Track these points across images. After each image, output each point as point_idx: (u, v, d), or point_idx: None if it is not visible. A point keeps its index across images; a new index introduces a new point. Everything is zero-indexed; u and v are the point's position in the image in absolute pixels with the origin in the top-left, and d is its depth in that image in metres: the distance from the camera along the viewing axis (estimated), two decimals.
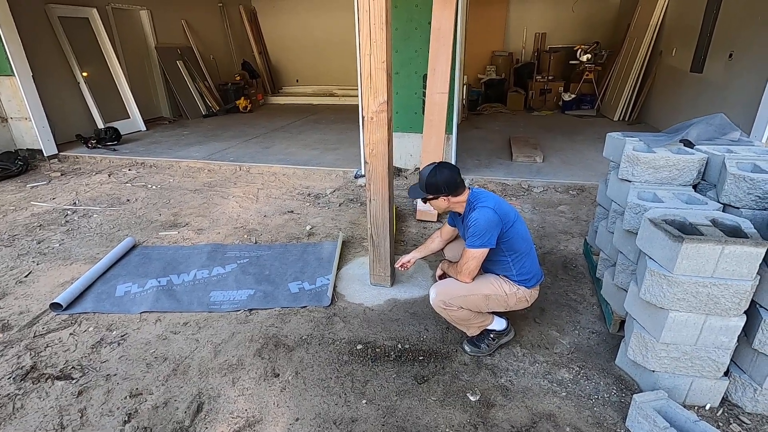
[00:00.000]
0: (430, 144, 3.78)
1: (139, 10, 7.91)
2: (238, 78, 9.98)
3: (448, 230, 2.42)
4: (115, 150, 6.23)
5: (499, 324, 2.22)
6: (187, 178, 5.21)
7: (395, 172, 4.83)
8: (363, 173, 4.96)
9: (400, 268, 2.48)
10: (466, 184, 2.14)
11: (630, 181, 2.33)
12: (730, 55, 4.97)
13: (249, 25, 10.67)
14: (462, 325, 2.18)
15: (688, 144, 2.42)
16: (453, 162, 4.68)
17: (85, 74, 6.69)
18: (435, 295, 2.11)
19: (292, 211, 4.15)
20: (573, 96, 8.21)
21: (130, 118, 7.41)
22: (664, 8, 6.61)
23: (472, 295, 2.06)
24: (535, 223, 3.75)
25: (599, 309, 2.59)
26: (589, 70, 8.12)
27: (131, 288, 2.90)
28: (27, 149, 6.07)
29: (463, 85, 8.14)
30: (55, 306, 2.64)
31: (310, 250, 3.36)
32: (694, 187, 2.27)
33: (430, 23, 3.72)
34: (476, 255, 1.97)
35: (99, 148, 6.28)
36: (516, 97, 8.69)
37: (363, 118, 2.42)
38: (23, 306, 2.74)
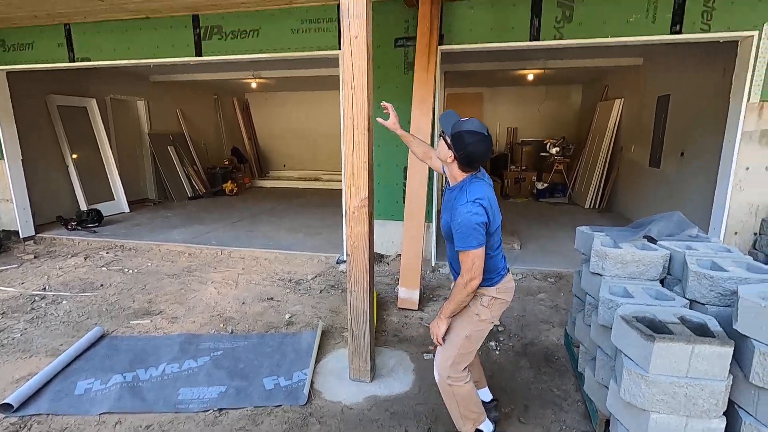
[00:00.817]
0: (411, 231, 3.90)
1: (136, 100, 8.39)
2: (226, 162, 10.34)
3: (427, 150, 2.30)
4: (95, 232, 6.19)
5: (487, 427, 2.15)
6: (166, 262, 5.14)
7: (377, 258, 4.89)
8: (345, 259, 5.00)
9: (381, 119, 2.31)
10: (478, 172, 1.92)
11: (601, 275, 2.43)
12: (682, 153, 5.47)
13: (241, 115, 11.33)
14: (462, 412, 2.07)
15: (651, 240, 2.57)
16: (433, 251, 4.79)
17: (74, 157, 6.86)
18: (438, 376, 2.04)
19: (271, 298, 4.08)
20: (546, 185, 8.72)
21: (114, 200, 7.47)
22: (620, 112, 7.37)
23: (459, 344, 1.94)
24: (516, 311, 3.76)
25: (584, 406, 2.52)
26: (559, 162, 8.74)
27: (93, 384, 2.71)
28: (2, 230, 5.97)
29: (443, 174, 8.60)
30: (4, 407, 2.43)
31: (287, 341, 3.25)
32: (661, 281, 2.38)
33: (410, 121, 4.05)
34: (477, 255, 1.75)
35: (79, 230, 6.23)
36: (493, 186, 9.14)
37: (345, 212, 2.52)
38: None
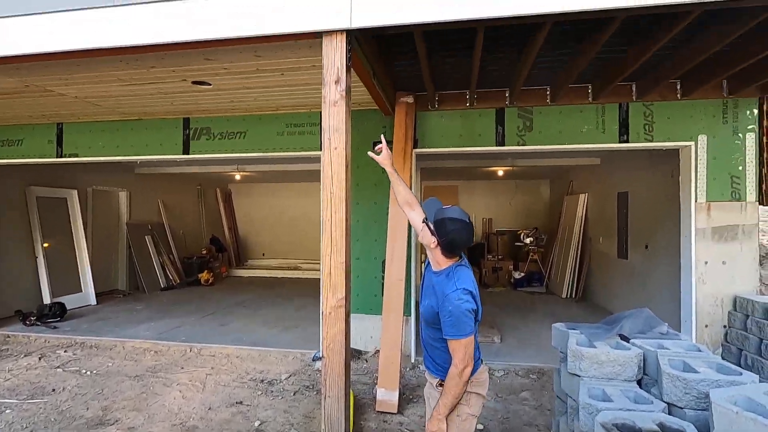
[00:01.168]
0: (390, 326, 3.84)
1: (119, 191, 8.50)
2: (204, 251, 10.24)
3: (410, 200, 2.14)
4: (55, 328, 5.83)
5: None
6: (129, 362, 4.81)
7: (354, 355, 4.72)
8: (321, 356, 4.79)
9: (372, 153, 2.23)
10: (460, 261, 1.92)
11: (579, 376, 2.41)
12: (646, 246, 5.76)
13: (223, 204, 11.52)
14: None
15: (624, 338, 2.61)
16: (412, 346, 4.68)
17: (46, 246, 6.70)
18: None
19: (241, 402, 3.81)
20: (522, 274, 8.88)
21: (81, 291, 7.17)
22: (585, 205, 7.85)
23: None
24: (499, 413, 3.59)
25: None
26: (533, 252, 9.02)
27: None
28: None
29: (421, 263, 8.71)
30: None
31: None
32: (639, 382, 2.37)
33: (387, 216, 4.22)
34: (470, 342, 1.75)
35: (38, 325, 5.86)
36: None
37: (322, 313, 2.51)
38: None
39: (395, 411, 3.59)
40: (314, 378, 4.36)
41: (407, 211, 2.17)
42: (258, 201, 11.91)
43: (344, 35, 2.48)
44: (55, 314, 6.10)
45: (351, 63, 2.57)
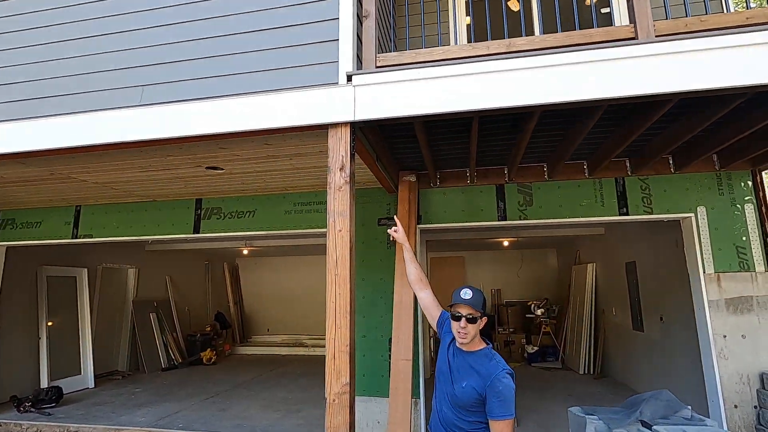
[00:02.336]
0: (397, 411, 3.63)
1: (128, 268, 8.59)
2: (208, 329, 10.05)
3: (434, 308, 2.28)
4: (49, 414, 5.59)
5: None
6: None
7: None
8: None
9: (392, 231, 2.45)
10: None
11: None
12: (661, 318, 5.58)
13: (229, 279, 11.51)
14: None
15: (646, 425, 2.46)
16: (422, 430, 4.40)
17: (49, 324, 6.63)
18: None
19: None
20: (536, 348, 8.53)
21: (80, 374, 6.97)
22: (594, 275, 7.76)
23: None
24: None
25: None
26: (545, 324, 8.74)
27: None
28: None
29: (429, 337, 8.45)
30: None
31: None
32: None
33: (393, 292, 4.20)
34: (513, 422, 1.81)
35: (32, 411, 5.64)
36: None
37: (326, 400, 2.42)
38: None
39: None
40: None
41: (418, 289, 2.28)
42: (264, 275, 11.91)
43: (348, 127, 2.68)
44: (50, 399, 5.88)
45: (355, 151, 2.74)
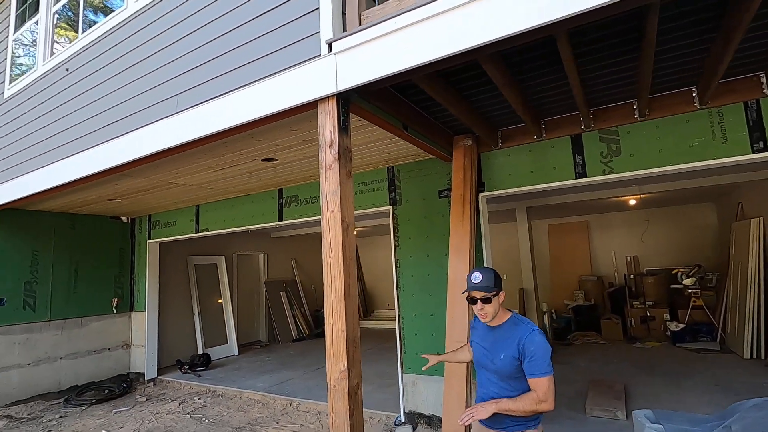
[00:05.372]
0: (452, 395, 3.40)
1: (258, 254, 9.89)
2: None
3: (465, 351, 2.44)
4: (200, 376, 6.86)
5: None
6: (239, 412, 5.31)
7: (425, 421, 4.28)
8: (403, 420, 4.51)
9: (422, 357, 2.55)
10: None
11: None
12: None
13: None
14: None
15: None
16: None
17: (219, 301, 8.12)
18: None
19: None
20: (682, 325, 7.01)
21: (227, 343, 8.37)
22: (762, 231, 5.93)
23: None
24: None
25: None
26: (696, 296, 7.10)
27: None
28: (136, 372, 7.05)
29: (543, 312, 7.68)
30: None
31: None
32: None
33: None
34: (551, 379, 1.91)
35: (189, 373, 7.00)
36: (611, 325, 7.73)
37: (328, 385, 2.38)
38: None
39: None
40: None
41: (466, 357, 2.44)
42: (379, 253, 12.39)
43: (333, 100, 2.50)
44: (202, 363, 7.22)
45: (347, 125, 2.56)
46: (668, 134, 3.43)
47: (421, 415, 4.39)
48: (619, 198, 7.14)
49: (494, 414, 1.93)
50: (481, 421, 1.99)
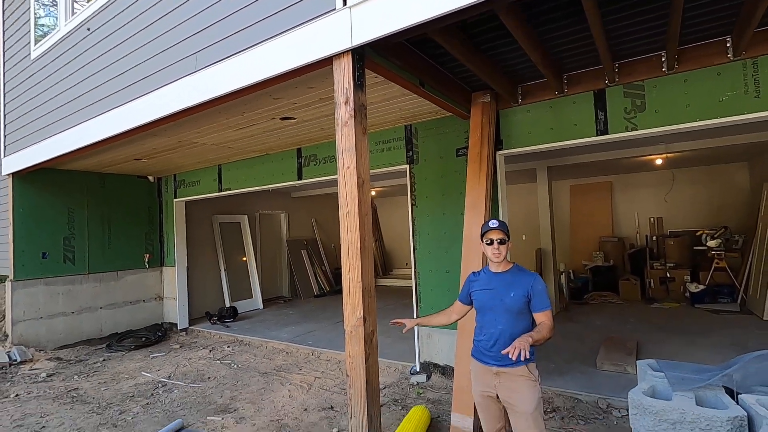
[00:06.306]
0: (464, 348, 3.54)
1: (280, 213, 10.13)
2: None
3: (461, 309, 2.60)
4: (228, 327, 7.30)
5: None
6: (266, 360, 5.68)
7: (440, 371, 4.50)
8: (418, 370, 4.75)
9: (392, 324, 2.74)
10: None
11: None
12: None
13: None
14: None
15: (730, 391, 1.84)
16: None
17: (244, 259, 8.48)
18: None
19: (332, 407, 4.08)
20: (702, 287, 6.96)
21: (252, 298, 8.79)
22: None
23: (538, 418, 2.18)
24: None
25: None
26: (719, 257, 6.98)
27: None
28: (169, 322, 7.54)
29: (561, 272, 7.72)
30: None
31: None
32: None
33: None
34: (551, 313, 2.25)
35: (217, 324, 7.44)
36: (629, 286, 7.72)
37: (345, 331, 2.54)
38: None
39: None
40: (406, 392, 4.35)
41: (455, 318, 2.66)
42: (397, 213, 12.49)
43: (348, 56, 2.50)
44: (229, 315, 7.65)
45: (362, 81, 2.56)
46: (697, 88, 3.29)
47: (436, 365, 4.61)
48: (645, 157, 6.93)
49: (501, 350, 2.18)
50: (486, 360, 2.32)
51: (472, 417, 3.34)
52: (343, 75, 2.53)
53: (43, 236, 6.31)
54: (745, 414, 1.65)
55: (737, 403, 1.75)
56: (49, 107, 5.17)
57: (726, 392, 1.85)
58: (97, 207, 6.93)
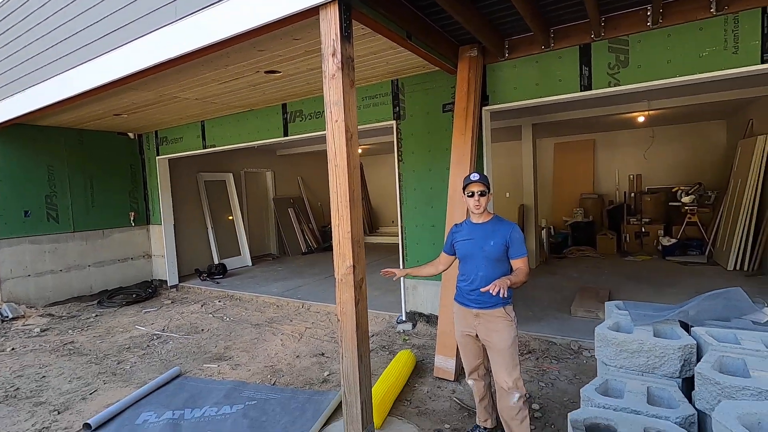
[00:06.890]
0: (448, 294, 3.75)
1: (265, 172, 10.06)
2: None
3: (446, 259, 2.74)
4: (218, 283, 7.44)
5: None
6: (257, 312, 5.88)
7: (425, 319, 4.76)
8: (404, 319, 5.00)
9: (382, 274, 2.87)
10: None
11: (606, 365, 2.03)
12: None
13: None
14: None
15: (684, 325, 2.05)
16: None
17: (230, 218, 8.50)
18: (518, 395, 2.35)
19: (323, 354, 4.32)
20: (674, 240, 7.32)
21: (241, 255, 8.90)
22: (766, 149, 5.93)
23: (514, 354, 2.39)
24: (569, 394, 3.23)
25: None
26: (692, 213, 7.30)
27: (150, 417, 3.26)
28: (158, 279, 7.64)
29: (542, 228, 7.98)
30: (86, 426, 3.11)
31: (314, 399, 3.40)
32: (688, 380, 1.86)
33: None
34: (527, 259, 2.43)
35: (207, 280, 7.58)
36: (606, 241, 8.07)
37: (335, 279, 2.67)
38: (71, 421, 3.28)
39: (452, 378, 3.58)
40: (393, 339, 4.61)
41: (441, 268, 2.78)
42: (383, 171, 12.52)
43: (335, 5, 2.46)
44: (218, 272, 7.77)
45: (349, 32, 2.54)
46: (679, 43, 3.34)
47: (421, 314, 4.86)
48: (628, 114, 7.04)
49: (481, 294, 2.39)
50: (468, 303, 2.52)
51: (455, 359, 3.60)
52: (329, 26, 2.50)
53: (24, 194, 6.20)
54: (695, 342, 1.85)
55: (690, 334, 1.96)
56: (23, 56, 4.93)
57: (681, 326, 2.06)
58: (78, 165, 6.79)
